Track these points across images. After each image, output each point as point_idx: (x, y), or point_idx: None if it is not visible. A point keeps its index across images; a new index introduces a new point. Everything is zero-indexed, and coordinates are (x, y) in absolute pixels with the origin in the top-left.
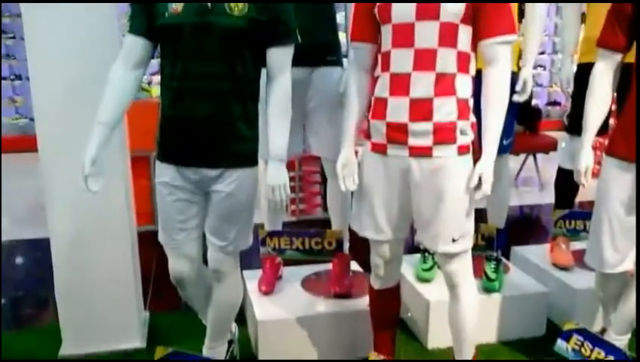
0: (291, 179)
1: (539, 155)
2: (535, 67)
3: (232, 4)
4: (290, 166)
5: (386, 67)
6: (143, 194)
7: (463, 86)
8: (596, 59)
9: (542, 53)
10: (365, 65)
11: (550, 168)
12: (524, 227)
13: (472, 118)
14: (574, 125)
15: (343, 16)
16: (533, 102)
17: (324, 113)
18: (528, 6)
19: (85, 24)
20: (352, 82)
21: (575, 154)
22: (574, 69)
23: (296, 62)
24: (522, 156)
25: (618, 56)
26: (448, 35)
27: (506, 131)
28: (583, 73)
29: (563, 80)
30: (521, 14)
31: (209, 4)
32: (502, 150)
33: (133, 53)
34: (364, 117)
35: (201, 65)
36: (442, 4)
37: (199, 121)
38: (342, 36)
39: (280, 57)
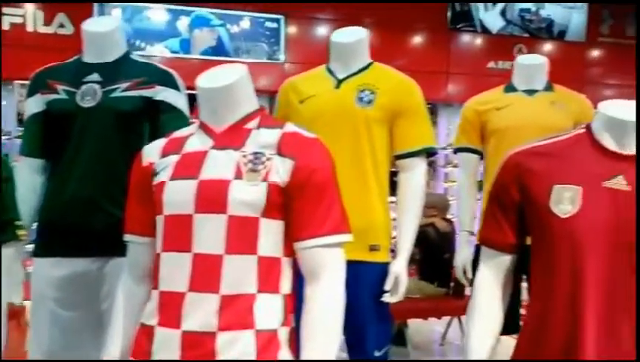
0: None
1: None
2: None
3: None
4: None
5: (155, 281)
6: None
7: (269, 312)
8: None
9: None
10: (139, 270)
11: None
12: None
13: None
14: None
15: None
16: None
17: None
18: (403, 174)
19: None
20: (120, 293)
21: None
22: (472, 250)
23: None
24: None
25: (507, 258)
26: (242, 235)
27: (378, 341)
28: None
29: (458, 267)
30: (393, 186)
31: None
32: None
33: None
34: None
35: None
36: (230, 191)
37: None
38: None
39: None
